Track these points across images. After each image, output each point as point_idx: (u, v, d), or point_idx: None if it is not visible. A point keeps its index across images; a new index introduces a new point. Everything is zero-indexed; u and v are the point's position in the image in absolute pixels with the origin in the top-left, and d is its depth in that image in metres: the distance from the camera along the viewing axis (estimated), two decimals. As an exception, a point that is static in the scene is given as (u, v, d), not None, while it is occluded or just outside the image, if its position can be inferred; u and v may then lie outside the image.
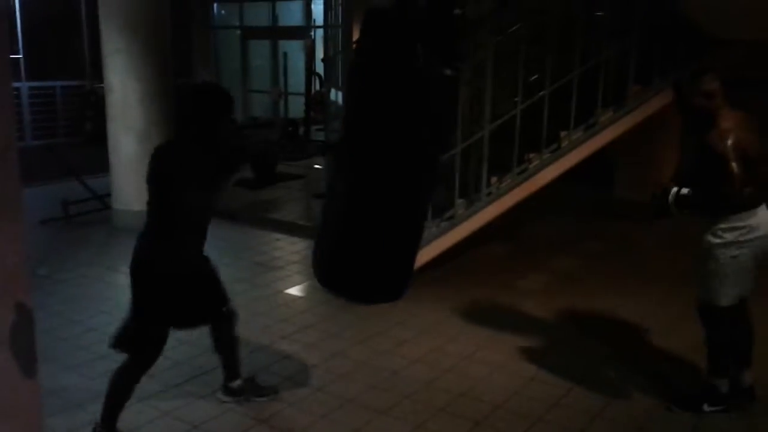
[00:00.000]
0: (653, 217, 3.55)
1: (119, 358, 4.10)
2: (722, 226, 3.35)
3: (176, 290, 3.18)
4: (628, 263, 6.17)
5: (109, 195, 7.28)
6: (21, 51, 12.37)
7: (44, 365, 1.51)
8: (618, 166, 8.22)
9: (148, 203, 3.27)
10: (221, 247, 6.85)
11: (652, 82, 6.40)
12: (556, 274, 5.87)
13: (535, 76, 6.04)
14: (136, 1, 6.74)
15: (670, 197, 3.40)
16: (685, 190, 3.38)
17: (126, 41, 6.75)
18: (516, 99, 5.76)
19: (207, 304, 3.39)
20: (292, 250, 6.35)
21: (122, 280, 5.62)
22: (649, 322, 4.81)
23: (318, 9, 13.03)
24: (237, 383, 3.64)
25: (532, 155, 5.98)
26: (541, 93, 5.72)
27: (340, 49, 6.11)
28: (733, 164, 3.18)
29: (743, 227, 3.34)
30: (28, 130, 12.25)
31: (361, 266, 3.09)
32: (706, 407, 3.59)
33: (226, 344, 3.54)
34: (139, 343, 3.22)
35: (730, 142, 3.22)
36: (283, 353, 4.08)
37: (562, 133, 5.95)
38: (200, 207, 3.18)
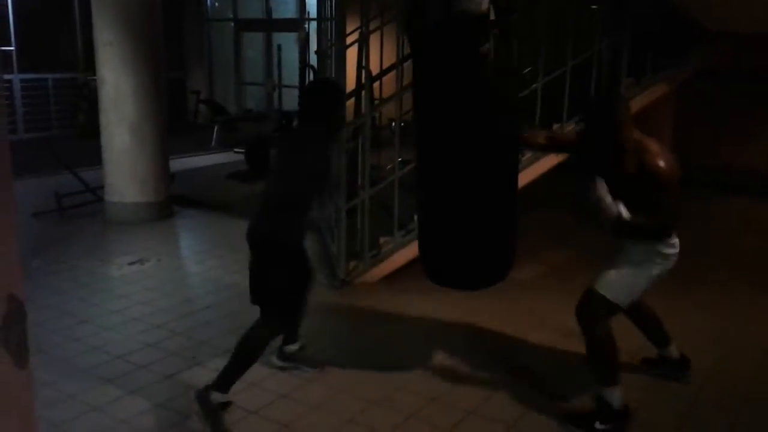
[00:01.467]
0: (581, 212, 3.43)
1: (113, 351, 4.14)
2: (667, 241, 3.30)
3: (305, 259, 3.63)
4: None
5: (102, 187, 7.28)
6: (13, 43, 12.31)
7: (36, 357, 1.52)
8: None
9: (274, 185, 3.58)
10: (216, 239, 6.88)
11: (645, 75, 6.42)
12: (550, 265, 5.90)
13: (528, 69, 6.06)
14: (129, -8, 6.73)
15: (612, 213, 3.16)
16: (624, 213, 3.15)
17: (118, 34, 6.73)
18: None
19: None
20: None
21: (115, 271, 5.65)
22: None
23: (311, 1, 13.01)
24: (292, 348, 3.94)
25: (525, 148, 5.99)
26: (533, 85, 5.73)
27: (333, 41, 6.10)
28: (670, 192, 3.13)
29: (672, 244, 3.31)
30: (20, 123, 12.21)
31: (456, 250, 3.47)
32: (598, 425, 3.30)
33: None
34: (287, 308, 3.54)
35: (665, 165, 3.12)
36: (277, 344, 4.09)
37: (555, 126, 5.97)
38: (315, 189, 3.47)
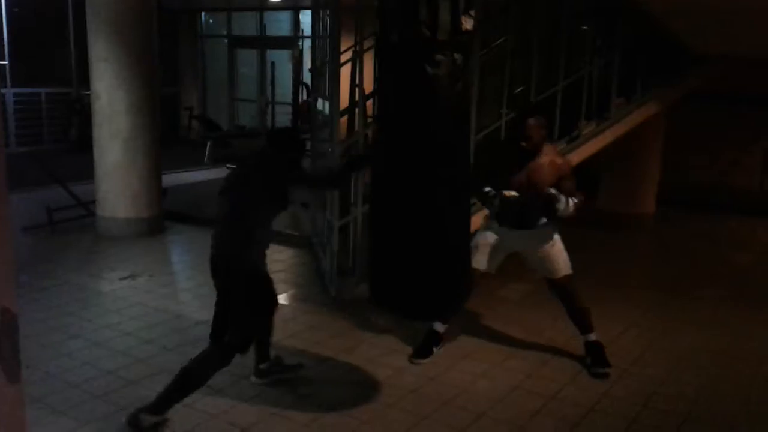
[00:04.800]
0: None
1: (103, 366, 4.11)
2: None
3: (266, 282, 3.68)
4: (610, 273, 6.25)
5: (93, 202, 7.26)
6: (6, 57, 12.32)
7: (26, 372, 1.52)
8: (601, 178, 8.30)
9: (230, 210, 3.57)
10: (207, 255, 6.82)
11: (635, 95, 6.49)
12: (537, 283, 5.89)
13: (521, 88, 6.11)
14: (124, 9, 6.76)
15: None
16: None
17: (113, 49, 6.76)
18: (501, 111, 5.82)
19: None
20: (278, 259, 6.34)
21: (106, 287, 5.62)
22: (632, 331, 4.89)
23: (306, 20, 13.09)
24: (266, 365, 3.95)
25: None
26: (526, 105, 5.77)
27: (327, 59, 6.14)
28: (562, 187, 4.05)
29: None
30: (12, 137, 12.18)
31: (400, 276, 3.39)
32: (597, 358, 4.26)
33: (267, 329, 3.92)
34: (244, 335, 3.47)
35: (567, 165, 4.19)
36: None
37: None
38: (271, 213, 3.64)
